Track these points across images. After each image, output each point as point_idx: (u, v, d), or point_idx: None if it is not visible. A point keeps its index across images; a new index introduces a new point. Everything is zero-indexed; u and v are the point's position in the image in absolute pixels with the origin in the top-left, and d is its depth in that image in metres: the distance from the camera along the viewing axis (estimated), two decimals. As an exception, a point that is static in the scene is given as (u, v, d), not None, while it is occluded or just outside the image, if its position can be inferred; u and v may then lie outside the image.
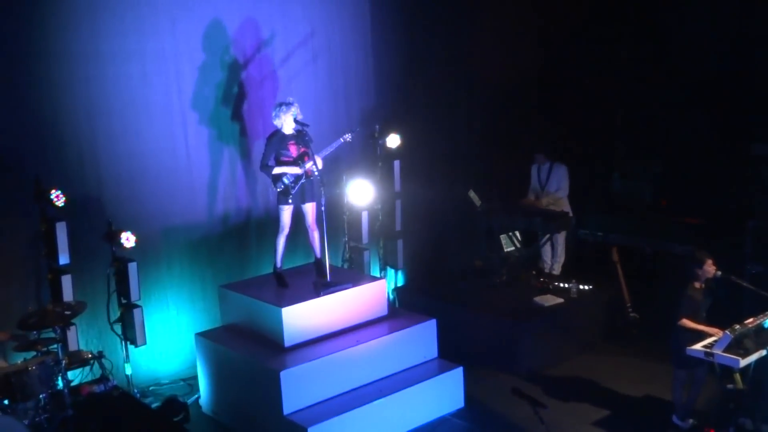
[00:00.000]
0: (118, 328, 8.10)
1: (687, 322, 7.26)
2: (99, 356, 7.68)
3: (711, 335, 7.12)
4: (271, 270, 8.40)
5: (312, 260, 8.47)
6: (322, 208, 7.86)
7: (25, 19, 7.63)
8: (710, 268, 7.28)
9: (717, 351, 6.86)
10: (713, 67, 10.35)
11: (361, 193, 9.50)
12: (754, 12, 9.71)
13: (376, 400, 7.46)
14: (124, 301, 7.99)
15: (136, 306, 7.95)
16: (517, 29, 11.27)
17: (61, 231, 7.62)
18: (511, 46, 11.25)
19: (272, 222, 8.57)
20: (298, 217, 8.20)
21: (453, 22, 10.83)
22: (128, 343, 8.08)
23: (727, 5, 9.96)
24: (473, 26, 10.96)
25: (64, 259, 7.68)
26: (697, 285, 7.36)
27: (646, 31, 10.86)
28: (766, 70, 9.77)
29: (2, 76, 7.57)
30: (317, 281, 8.12)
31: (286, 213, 8.08)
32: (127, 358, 8.14)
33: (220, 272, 8.89)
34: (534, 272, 10.31)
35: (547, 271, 10.41)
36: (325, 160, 8.10)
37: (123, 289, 7.93)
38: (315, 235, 8.24)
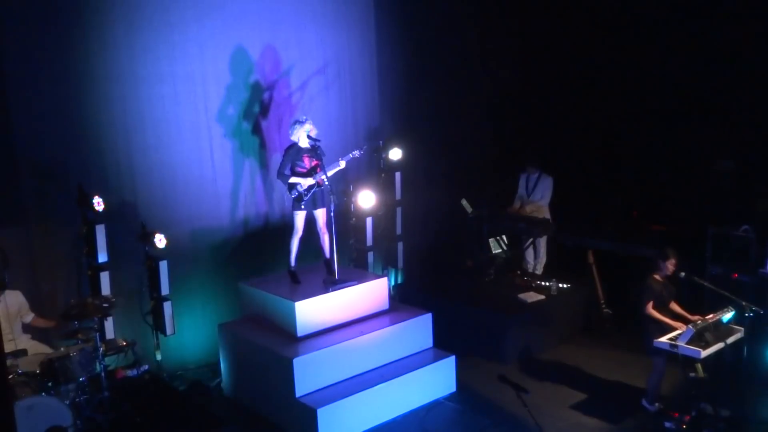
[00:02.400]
0: (149, 318, 8.07)
1: (652, 311, 7.21)
2: (132, 344, 7.62)
3: (676, 328, 7.09)
4: (285, 268, 8.36)
5: (322, 260, 8.44)
6: (332, 214, 7.84)
7: (71, 45, 7.61)
8: (671, 266, 7.25)
9: (681, 343, 6.83)
10: (679, 91, 10.30)
11: (366, 200, 9.47)
12: (719, 37, 9.66)
13: (378, 384, 7.43)
14: (155, 295, 7.95)
15: (166, 299, 7.91)
16: (509, 56, 11.24)
17: (100, 233, 7.58)
18: (501, 72, 11.23)
19: (287, 226, 8.53)
20: (310, 221, 8.17)
21: (448, 51, 10.80)
22: (159, 332, 8.04)
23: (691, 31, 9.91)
24: (466, 56, 10.94)
25: (102, 257, 7.64)
26: (657, 277, 7.32)
27: (618, 56, 10.81)
28: (726, 94, 9.73)
29: (50, 95, 7.55)
30: (326, 278, 8.10)
31: (300, 218, 8.05)
32: (157, 346, 8.12)
33: (241, 270, 8.84)
34: (518, 272, 10.27)
35: (530, 271, 10.36)
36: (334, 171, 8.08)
37: (154, 284, 7.89)
38: (325, 238, 8.21)
